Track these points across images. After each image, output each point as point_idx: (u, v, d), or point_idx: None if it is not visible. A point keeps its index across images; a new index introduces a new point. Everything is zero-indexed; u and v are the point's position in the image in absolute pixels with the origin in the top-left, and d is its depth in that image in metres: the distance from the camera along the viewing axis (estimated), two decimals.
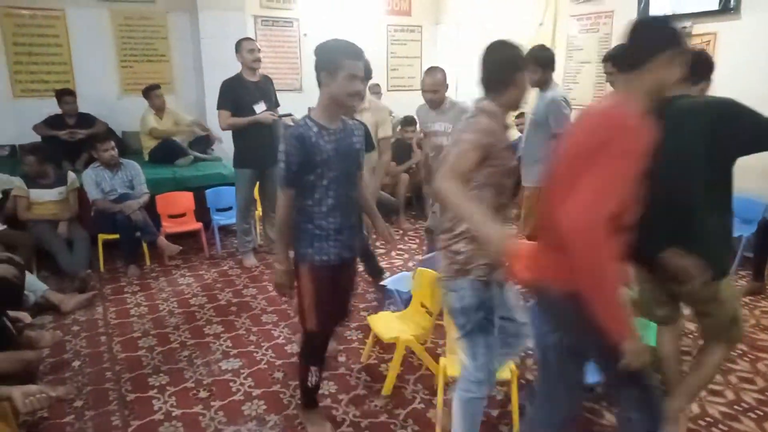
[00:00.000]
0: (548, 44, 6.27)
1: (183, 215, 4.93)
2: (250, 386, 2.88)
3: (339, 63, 2.09)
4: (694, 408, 2.63)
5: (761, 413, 2.63)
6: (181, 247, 4.58)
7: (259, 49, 4.36)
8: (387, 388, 2.81)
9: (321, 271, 2.27)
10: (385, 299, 3.75)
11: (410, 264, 4.57)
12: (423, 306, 2.99)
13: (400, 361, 2.83)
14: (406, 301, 3.21)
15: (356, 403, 2.73)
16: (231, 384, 2.90)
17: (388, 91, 7.79)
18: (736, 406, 2.68)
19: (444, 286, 2.11)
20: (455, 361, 2.58)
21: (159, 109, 5.56)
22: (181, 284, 4.26)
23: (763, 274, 4.03)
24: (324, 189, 2.20)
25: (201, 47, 6.20)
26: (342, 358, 3.14)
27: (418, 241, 5.27)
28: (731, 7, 4.58)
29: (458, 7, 7.65)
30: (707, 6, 4.75)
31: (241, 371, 3.02)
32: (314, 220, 2.24)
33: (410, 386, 2.88)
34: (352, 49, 2.13)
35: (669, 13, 5.01)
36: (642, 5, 5.23)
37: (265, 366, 3.08)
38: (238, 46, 4.31)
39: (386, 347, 3.15)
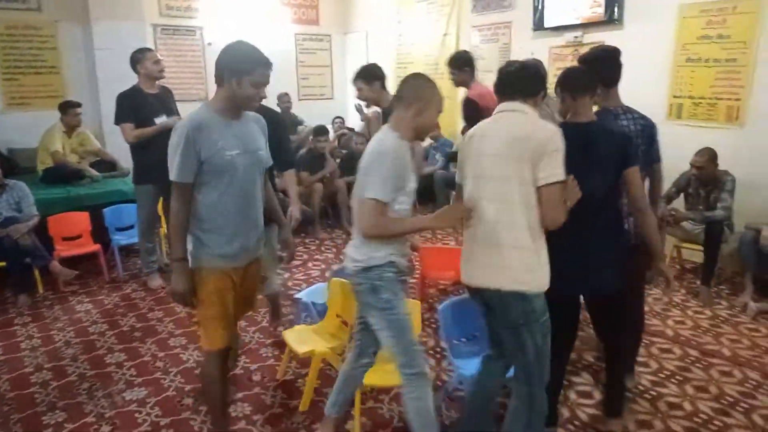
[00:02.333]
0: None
1: (79, 237, 4.58)
2: (157, 416, 2.71)
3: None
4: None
5: (655, 394, 2.82)
6: (77, 272, 4.25)
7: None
8: (304, 404, 2.74)
9: None
10: (301, 312, 3.67)
11: (327, 274, 4.51)
12: (338, 316, 2.95)
13: (317, 375, 2.78)
14: (322, 313, 3.15)
15: (272, 423, 2.64)
16: (136, 415, 2.71)
17: (299, 100, 7.73)
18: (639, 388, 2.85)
19: None
20: (372, 371, 2.57)
21: (70, 128, 5.16)
22: (79, 311, 3.95)
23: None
24: None
25: (95, 59, 5.86)
26: (257, 377, 3.04)
27: (335, 250, 5.23)
28: (615, 17, 4.94)
29: (366, 17, 7.74)
30: (594, 17, 5.09)
31: (147, 400, 2.84)
32: None
33: (327, 399, 2.82)
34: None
35: (561, 23, 5.32)
36: (536, 16, 5.52)
37: (174, 393, 2.90)
38: (140, 56, 4.07)
39: (303, 362, 3.08)
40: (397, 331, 2.05)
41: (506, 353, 2.16)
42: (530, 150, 1.89)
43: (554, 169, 1.89)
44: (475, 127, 2.13)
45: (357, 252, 2.07)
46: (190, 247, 2.13)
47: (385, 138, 2.02)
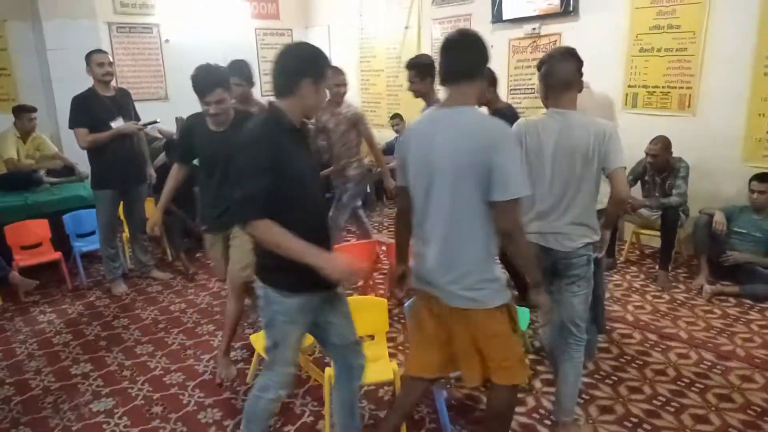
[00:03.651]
0: (414, 47, 6.51)
1: (38, 245, 4.46)
2: (125, 426, 2.68)
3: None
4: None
5: (616, 379, 2.92)
6: (38, 281, 4.08)
7: (111, 62, 4.06)
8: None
9: None
10: None
11: None
12: None
13: None
14: None
15: None
16: (104, 426, 2.69)
17: (262, 96, 7.61)
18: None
19: None
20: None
21: (25, 133, 5.01)
22: (42, 322, 3.87)
23: (613, 251, 4.48)
24: None
25: (48, 60, 5.68)
26: (227, 382, 3.02)
27: None
28: (571, 9, 5.02)
29: (327, 10, 7.68)
30: (551, 9, 5.17)
31: (115, 411, 2.81)
32: None
33: (299, 400, 2.84)
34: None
35: (519, 15, 5.39)
36: (495, 9, 5.57)
37: (142, 402, 2.88)
38: (87, 59, 3.99)
39: None
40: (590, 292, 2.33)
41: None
42: None
43: None
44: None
45: (589, 229, 2.24)
46: (489, 288, 1.87)
47: (592, 119, 2.20)
